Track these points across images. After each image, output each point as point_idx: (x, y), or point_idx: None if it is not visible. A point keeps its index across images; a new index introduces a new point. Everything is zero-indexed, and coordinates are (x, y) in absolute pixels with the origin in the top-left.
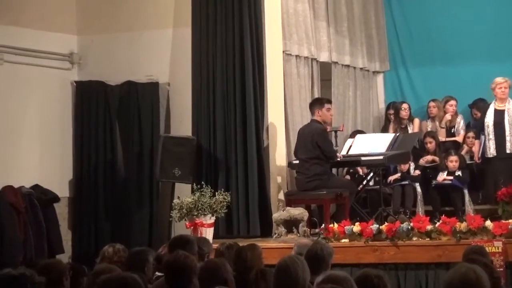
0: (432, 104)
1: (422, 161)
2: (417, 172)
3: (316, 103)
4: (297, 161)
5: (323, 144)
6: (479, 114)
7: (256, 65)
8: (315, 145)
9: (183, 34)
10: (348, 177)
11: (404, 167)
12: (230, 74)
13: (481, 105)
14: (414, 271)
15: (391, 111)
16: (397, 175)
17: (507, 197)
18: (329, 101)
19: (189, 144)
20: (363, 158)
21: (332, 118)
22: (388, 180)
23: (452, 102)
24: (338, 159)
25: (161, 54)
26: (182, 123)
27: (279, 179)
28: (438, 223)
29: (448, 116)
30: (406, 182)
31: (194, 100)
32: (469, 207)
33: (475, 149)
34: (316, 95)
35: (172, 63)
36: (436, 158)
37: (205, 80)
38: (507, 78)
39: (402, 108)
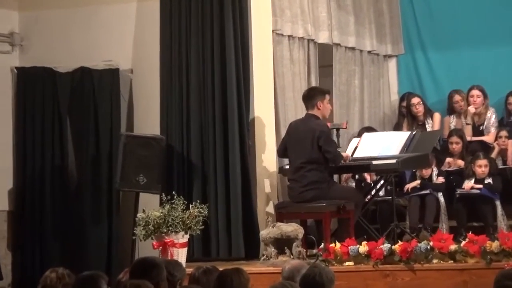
0: (456, 96)
1: (447, 164)
2: (441, 179)
3: (317, 94)
4: (290, 166)
5: (327, 145)
6: None
7: (240, 48)
8: (315, 146)
9: (150, 9)
10: (352, 185)
11: (426, 172)
12: (208, 59)
13: None
14: None
15: (405, 104)
16: (416, 183)
17: None
18: (328, 91)
19: (156, 145)
20: (373, 162)
21: (331, 113)
22: (405, 189)
23: (475, 92)
24: (343, 161)
25: (122, 34)
26: (148, 119)
27: (267, 188)
28: (463, 242)
29: (471, 109)
30: (427, 192)
31: (163, 91)
32: (502, 222)
33: (509, 151)
34: (314, 85)
35: (136, 45)
36: (462, 164)
37: (177, 66)
38: None
39: (412, 103)
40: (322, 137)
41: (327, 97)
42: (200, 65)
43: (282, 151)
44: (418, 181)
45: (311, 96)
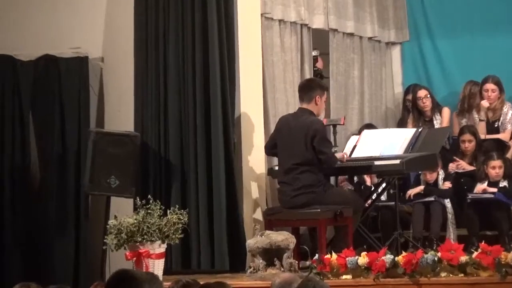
0: (469, 88)
1: (453, 166)
2: (448, 184)
3: (317, 86)
4: (279, 167)
5: (321, 146)
6: None
7: (224, 34)
8: (309, 146)
9: None
10: (349, 188)
11: (431, 176)
12: (188, 46)
13: None
14: None
15: (411, 97)
16: (419, 188)
17: None
18: (328, 89)
19: (130, 143)
20: (374, 163)
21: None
22: (407, 195)
23: (490, 85)
24: (339, 162)
25: (92, 17)
26: (120, 113)
27: (255, 192)
28: (475, 253)
29: (484, 104)
30: (432, 199)
31: (137, 82)
32: None
33: None
34: (308, 76)
35: (107, 30)
36: (468, 166)
37: (153, 54)
38: None
39: (419, 97)
40: (316, 136)
41: (326, 94)
42: (179, 54)
43: (270, 148)
44: (422, 187)
45: (310, 88)
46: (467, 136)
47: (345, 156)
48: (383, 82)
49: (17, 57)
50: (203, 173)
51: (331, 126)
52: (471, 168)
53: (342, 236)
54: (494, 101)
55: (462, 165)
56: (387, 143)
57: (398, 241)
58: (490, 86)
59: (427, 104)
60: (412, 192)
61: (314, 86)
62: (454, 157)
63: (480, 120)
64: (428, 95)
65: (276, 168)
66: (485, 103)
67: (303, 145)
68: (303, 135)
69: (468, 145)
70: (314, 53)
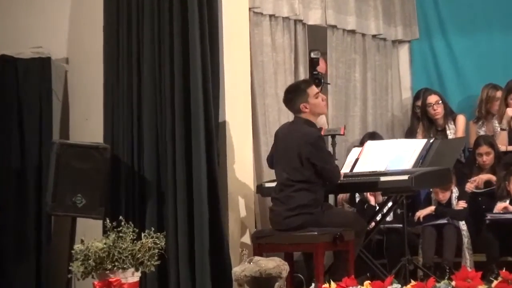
0: (486, 91)
1: (470, 185)
2: (462, 203)
3: (296, 94)
4: (273, 183)
5: (319, 160)
6: None
7: (207, 31)
8: (305, 161)
9: None
10: (350, 207)
11: (443, 195)
12: (166, 46)
13: None
14: None
15: (421, 103)
16: (430, 209)
17: None
18: (312, 82)
19: (99, 157)
20: (376, 179)
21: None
22: (416, 217)
23: None
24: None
25: (55, 14)
26: (88, 122)
27: (243, 212)
28: (495, 282)
29: (510, 112)
30: (445, 221)
31: (107, 87)
32: None
33: None
34: (303, 77)
35: (73, 29)
36: (493, 178)
37: (125, 55)
38: None
39: (429, 103)
40: (314, 153)
41: (313, 89)
42: (155, 54)
43: (271, 160)
44: (432, 208)
45: (290, 100)
46: (484, 149)
47: (342, 174)
48: (389, 86)
49: None
50: (182, 191)
51: (330, 136)
52: (492, 177)
53: (342, 262)
54: None
55: (478, 182)
56: (394, 156)
57: (407, 269)
58: None
59: (439, 111)
60: (422, 213)
61: (293, 97)
62: (469, 179)
63: (502, 129)
64: (440, 101)
65: (267, 185)
66: (511, 111)
67: (297, 161)
68: (296, 150)
69: (486, 158)
70: (313, 54)
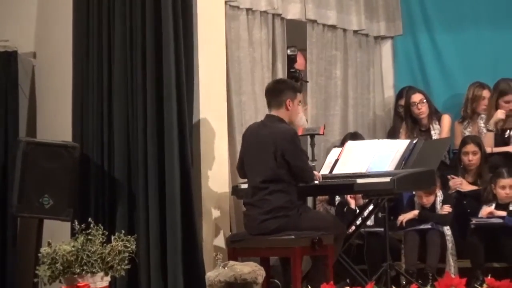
0: (472, 90)
1: (456, 182)
2: (447, 208)
3: (288, 88)
4: (246, 186)
5: (293, 157)
6: None
7: (181, 25)
8: (280, 160)
9: None
10: (329, 210)
11: (427, 199)
12: (138, 41)
13: None
14: None
15: (404, 102)
16: (413, 213)
17: None
18: (301, 91)
19: (67, 156)
20: (356, 181)
21: (305, 115)
22: (398, 221)
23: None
24: (316, 182)
25: (23, 7)
26: (56, 120)
27: (217, 215)
28: None
29: (501, 114)
30: (428, 226)
31: (76, 83)
32: None
33: None
34: (280, 75)
35: (40, 21)
36: (475, 188)
37: (96, 49)
38: None
39: (413, 102)
40: (288, 149)
41: (299, 97)
42: (126, 49)
43: (241, 169)
44: (416, 212)
45: (279, 90)
46: (471, 147)
47: (320, 177)
48: (371, 84)
49: None
50: (154, 192)
51: (308, 136)
52: (473, 188)
53: (320, 268)
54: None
55: (461, 185)
56: (376, 157)
57: (388, 275)
58: None
59: (423, 110)
60: (404, 218)
61: (284, 88)
62: (451, 175)
63: (488, 130)
64: (425, 100)
65: (243, 186)
66: (502, 114)
67: (272, 159)
68: (272, 147)
69: (472, 158)
70: (290, 51)
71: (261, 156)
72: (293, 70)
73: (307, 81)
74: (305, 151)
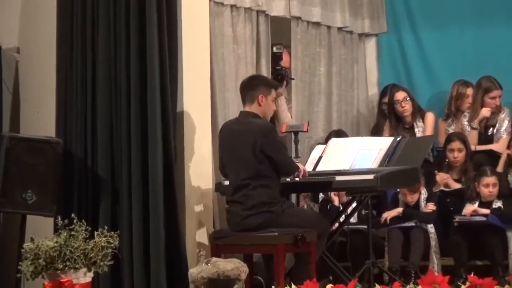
0: (456, 88)
1: (443, 177)
2: (431, 206)
3: (261, 84)
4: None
5: (274, 151)
6: None
7: (165, 21)
8: (259, 154)
9: None
10: (312, 207)
11: (411, 197)
12: (122, 35)
13: None
14: None
15: (388, 99)
16: (397, 211)
17: None
18: (277, 87)
19: (51, 151)
20: (339, 178)
21: (289, 112)
22: (382, 219)
23: (498, 92)
24: (298, 178)
25: (6, 2)
26: (40, 115)
27: (200, 211)
28: (463, 287)
29: (486, 112)
30: (412, 224)
31: (60, 78)
32: None
33: None
34: (265, 72)
35: (24, 17)
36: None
37: (80, 44)
38: None
39: (397, 100)
40: (267, 144)
41: (274, 93)
42: (110, 45)
43: (224, 169)
44: (400, 209)
45: (252, 86)
46: (456, 144)
47: (305, 171)
48: (355, 81)
49: None
50: (137, 188)
51: (292, 133)
52: (458, 186)
53: (303, 265)
54: (497, 108)
55: (446, 181)
56: (359, 154)
57: (371, 272)
58: (498, 92)
59: (406, 108)
60: (388, 215)
61: (257, 84)
62: (436, 171)
63: (472, 128)
64: (408, 98)
65: (226, 183)
66: (487, 112)
67: (252, 155)
68: (250, 144)
69: (458, 155)
70: (276, 48)
71: (240, 154)
72: (279, 67)
73: (293, 79)
74: (283, 143)
